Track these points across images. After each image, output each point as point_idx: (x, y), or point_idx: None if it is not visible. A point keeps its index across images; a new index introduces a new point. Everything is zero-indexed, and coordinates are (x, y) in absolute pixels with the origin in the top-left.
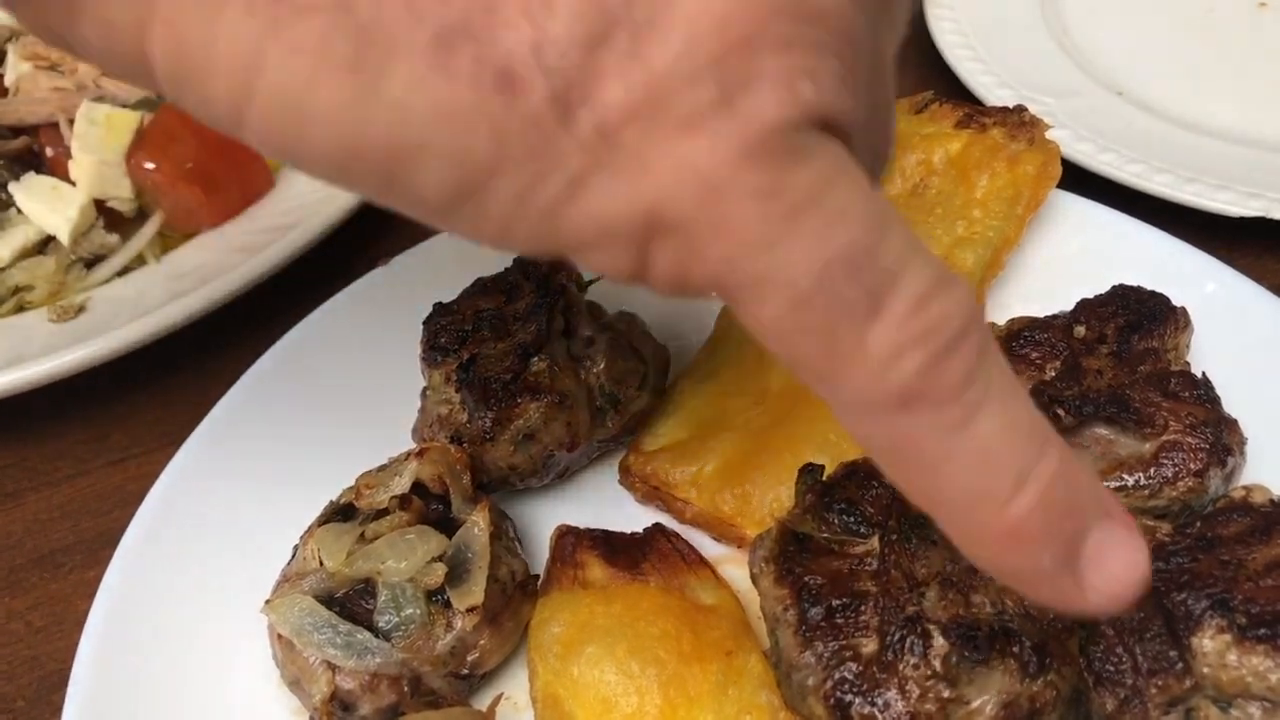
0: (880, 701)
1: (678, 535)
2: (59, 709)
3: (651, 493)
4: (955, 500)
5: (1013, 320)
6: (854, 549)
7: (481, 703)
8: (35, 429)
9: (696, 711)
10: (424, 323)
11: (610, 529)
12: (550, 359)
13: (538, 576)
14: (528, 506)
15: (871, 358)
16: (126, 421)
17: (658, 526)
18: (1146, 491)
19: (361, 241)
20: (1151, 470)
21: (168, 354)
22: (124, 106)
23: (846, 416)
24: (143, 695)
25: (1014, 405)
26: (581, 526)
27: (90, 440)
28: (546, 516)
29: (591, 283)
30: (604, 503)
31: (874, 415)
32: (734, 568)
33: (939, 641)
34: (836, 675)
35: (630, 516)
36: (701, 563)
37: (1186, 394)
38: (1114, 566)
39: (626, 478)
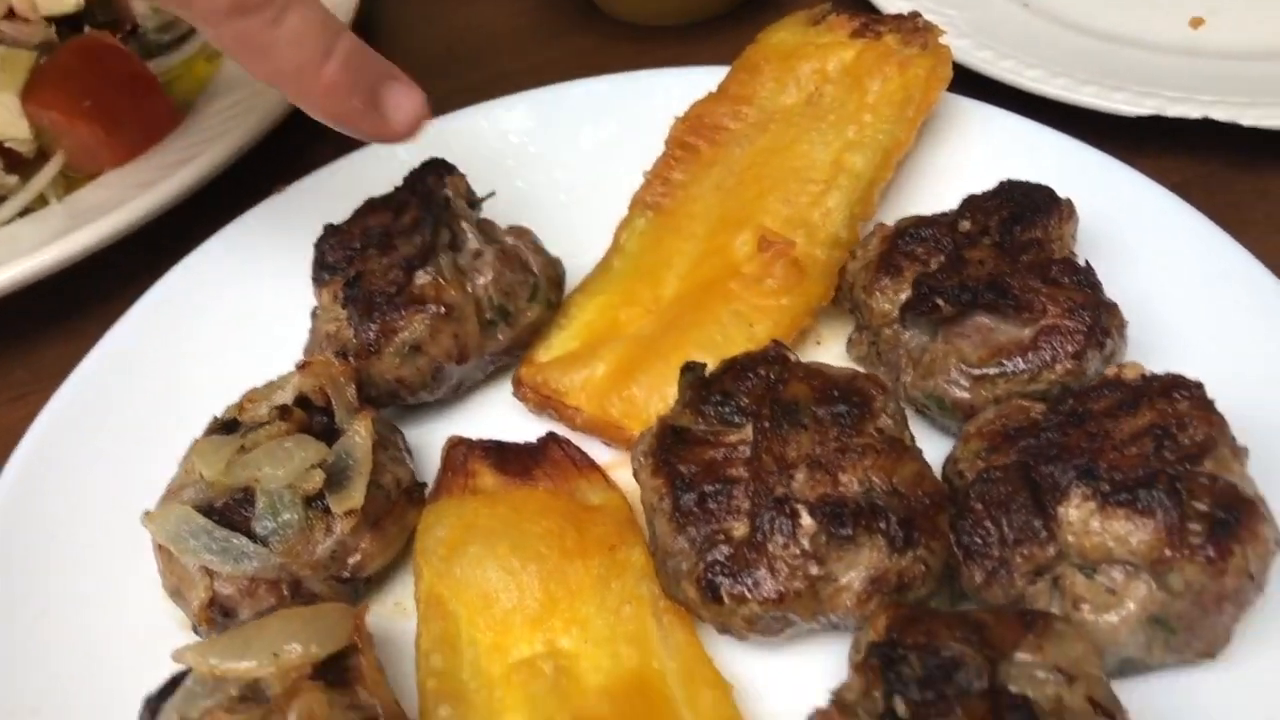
0: (750, 581)
1: (570, 442)
2: None
3: (543, 402)
4: (288, 73)
5: (901, 220)
6: (728, 438)
7: (369, 612)
8: None
9: (578, 604)
10: (315, 244)
11: (505, 440)
12: (436, 272)
13: (425, 485)
14: (424, 423)
15: None
16: (29, 357)
17: (551, 435)
18: (1026, 376)
19: (268, 178)
20: (1030, 355)
21: (72, 291)
22: (21, 47)
23: (203, 27)
24: (34, 612)
25: (311, 7)
26: (475, 438)
27: None
28: (443, 432)
29: (483, 200)
30: (499, 417)
31: (219, 22)
32: (624, 471)
33: (807, 521)
34: (708, 558)
35: (525, 429)
36: (593, 467)
37: (1066, 280)
38: (405, 104)
39: (519, 389)
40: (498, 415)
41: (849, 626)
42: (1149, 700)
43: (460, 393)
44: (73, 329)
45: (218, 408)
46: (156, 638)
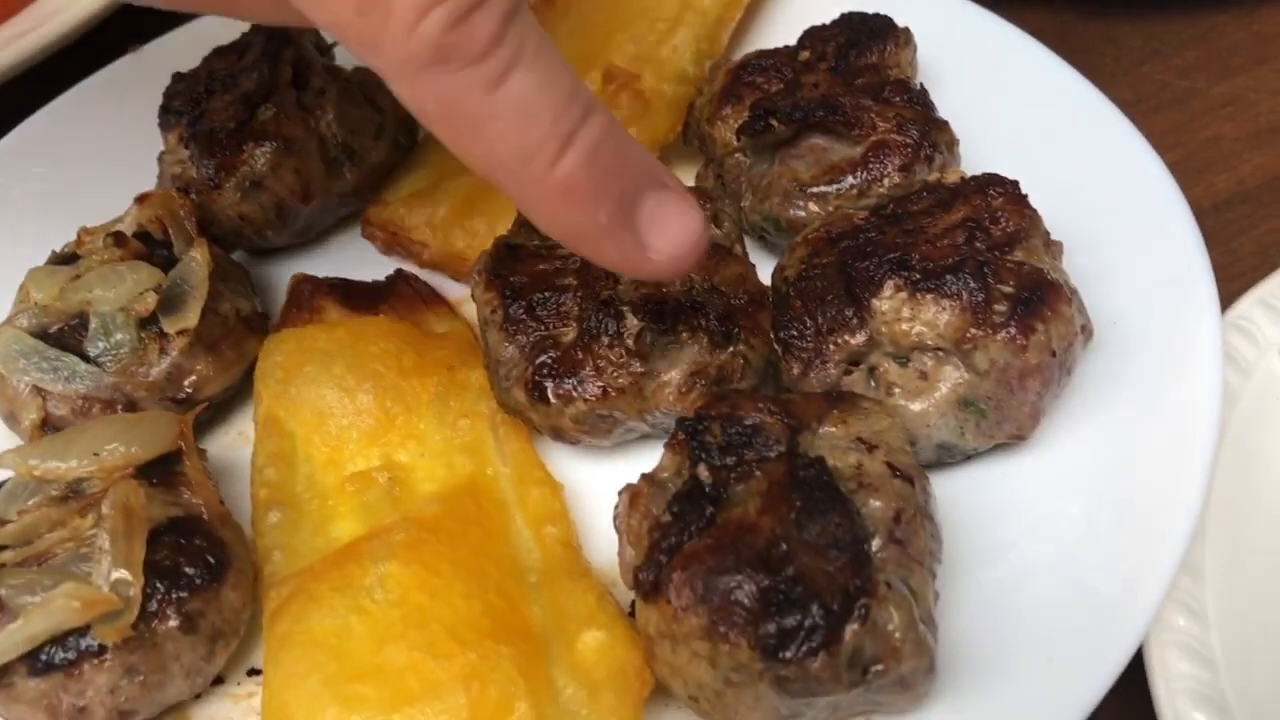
0: (575, 380)
1: (417, 278)
2: None
3: (391, 240)
4: (508, 161)
5: (745, 55)
6: (561, 251)
7: (212, 441)
8: None
9: (415, 419)
10: (164, 93)
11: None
12: (278, 108)
13: (267, 317)
14: (275, 266)
15: (398, 18)
16: None
17: (399, 271)
18: (856, 191)
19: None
20: (860, 170)
21: None
22: None
23: (396, 85)
24: None
25: (550, 66)
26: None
27: None
28: (292, 273)
29: (334, 46)
30: (349, 259)
31: (414, 77)
32: (471, 306)
33: (631, 320)
34: (536, 362)
35: (383, 268)
36: (439, 300)
37: (898, 99)
38: (672, 229)
39: (366, 228)
40: (349, 258)
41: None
42: (965, 489)
43: (311, 237)
44: None
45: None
46: None
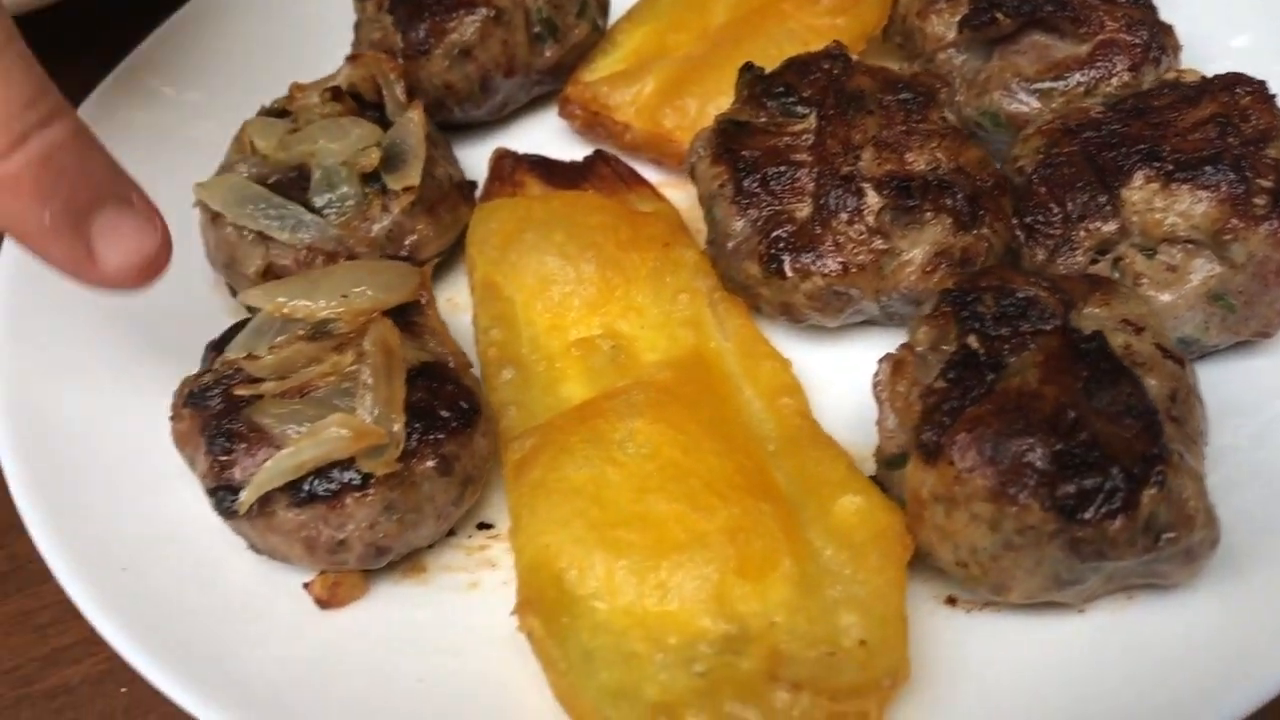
0: (814, 255)
1: (617, 159)
2: None
3: (591, 119)
4: None
5: None
6: (791, 128)
7: None
8: None
9: (633, 291)
10: None
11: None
12: None
13: (475, 184)
14: (469, 142)
15: None
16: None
17: (598, 152)
18: (1083, 89)
19: None
20: (1087, 69)
21: (101, 13)
22: None
23: None
24: (66, 299)
25: (14, 69)
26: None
27: None
28: (489, 150)
29: None
30: (545, 140)
31: None
32: (673, 190)
33: (873, 197)
34: (771, 235)
35: (572, 151)
36: (641, 182)
37: None
38: (125, 243)
39: (566, 107)
40: (541, 138)
41: (905, 314)
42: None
43: (504, 114)
44: (90, 56)
45: (251, 113)
46: (201, 317)
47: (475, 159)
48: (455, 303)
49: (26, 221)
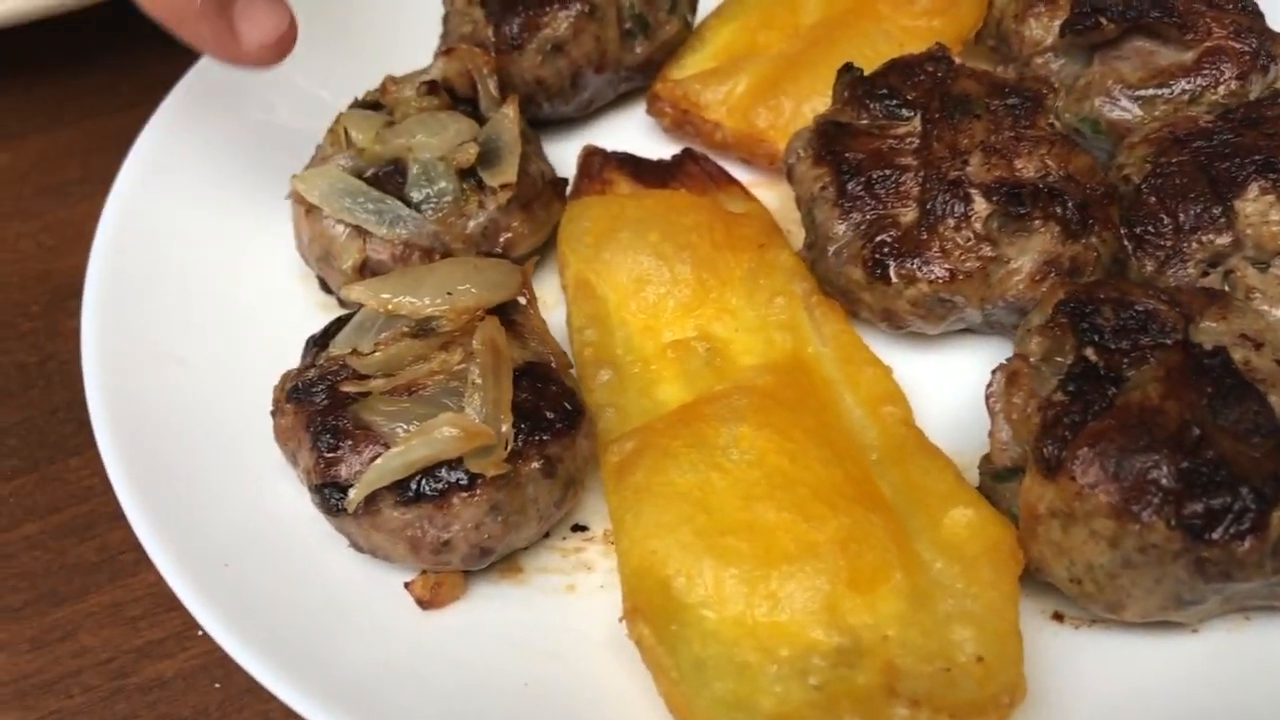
0: (920, 261)
1: (706, 157)
2: (72, 313)
3: (680, 118)
4: None
5: None
6: (894, 130)
7: None
8: (39, 78)
9: (728, 293)
10: None
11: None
12: None
13: (566, 181)
14: (556, 138)
15: None
16: (135, 71)
17: (687, 151)
18: (1187, 97)
19: None
20: (1192, 76)
21: None
22: None
23: None
24: (161, 284)
25: None
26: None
27: (97, 89)
28: (576, 147)
29: None
30: (632, 137)
31: None
32: (764, 190)
33: (981, 204)
34: (876, 240)
35: (659, 149)
36: (731, 181)
37: (1230, 5)
38: (262, 23)
39: (655, 104)
40: (628, 135)
41: (1007, 323)
42: None
43: (590, 111)
44: (177, 46)
45: (338, 104)
46: (292, 310)
47: (562, 155)
48: (542, 301)
49: (181, 8)
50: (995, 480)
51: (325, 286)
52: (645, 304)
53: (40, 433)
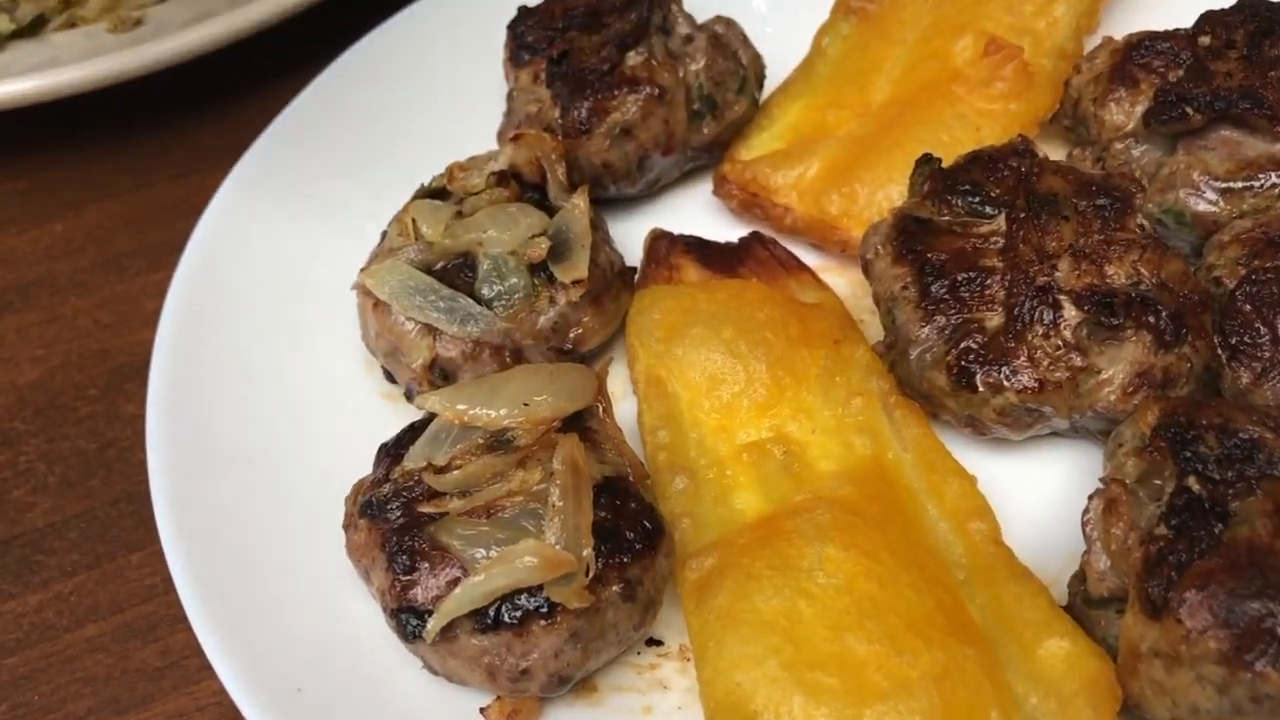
0: (1007, 369)
1: (775, 242)
2: (131, 397)
3: (749, 200)
4: None
5: (1131, 34)
6: (978, 229)
7: None
8: (95, 145)
9: (804, 392)
10: (508, 26)
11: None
12: (649, 52)
13: (635, 269)
14: (620, 219)
15: None
16: (189, 137)
17: (755, 234)
18: (1277, 191)
19: None
20: None
21: (231, 74)
22: None
23: None
24: (224, 378)
25: None
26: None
27: (151, 155)
28: (639, 228)
29: None
30: (695, 217)
31: None
32: (834, 276)
33: (1070, 311)
34: (961, 346)
35: (725, 230)
36: (802, 267)
37: None
38: None
39: (723, 186)
40: (693, 216)
41: (1094, 428)
42: None
43: (655, 190)
44: (229, 112)
45: (404, 185)
46: (356, 401)
47: (627, 234)
48: (613, 392)
49: None
50: (1088, 605)
51: (390, 377)
52: (719, 403)
53: (101, 525)
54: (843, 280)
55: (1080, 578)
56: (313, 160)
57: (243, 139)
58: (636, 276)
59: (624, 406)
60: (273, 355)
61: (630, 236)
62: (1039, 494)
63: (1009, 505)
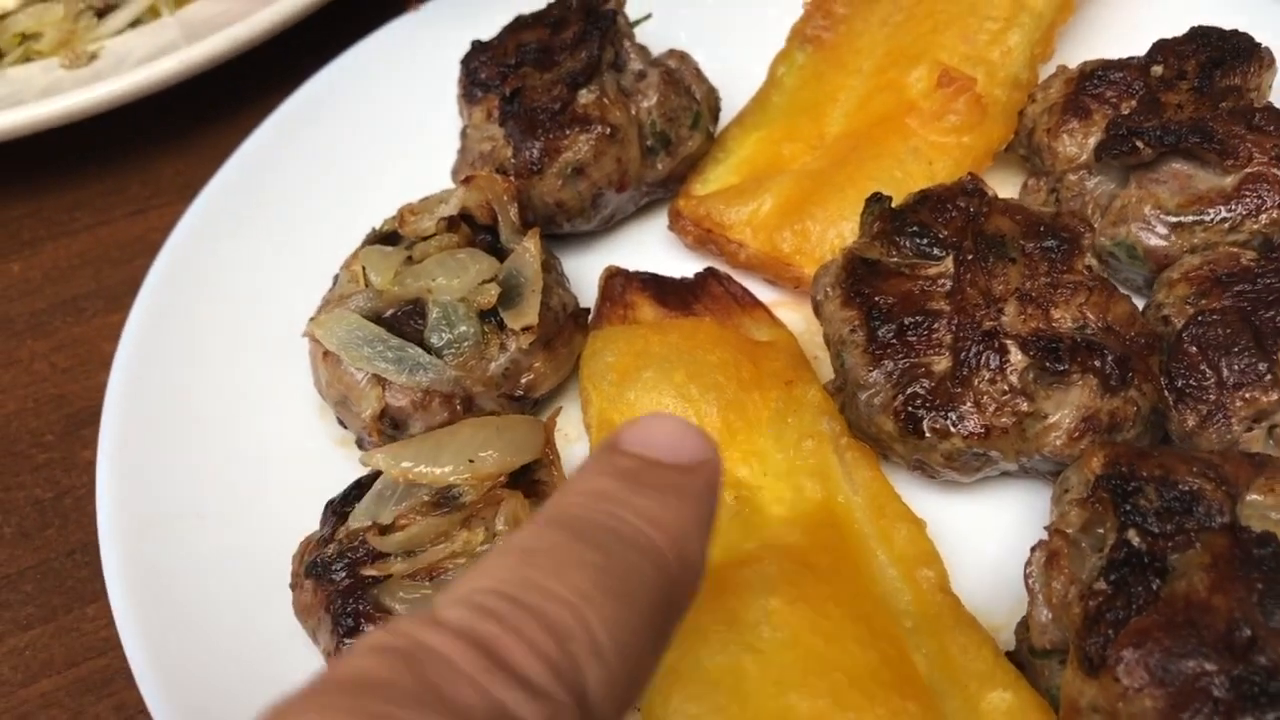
0: (954, 415)
1: (730, 278)
2: (88, 443)
3: (704, 236)
4: None
5: (1085, 63)
6: (926, 271)
7: None
8: (52, 181)
9: (756, 436)
10: (461, 61)
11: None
12: (601, 90)
13: (588, 310)
14: (574, 254)
15: None
16: (145, 172)
17: (710, 270)
18: (1227, 225)
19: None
20: (1233, 203)
21: (187, 108)
22: None
23: None
24: (176, 429)
25: None
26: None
27: (108, 191)
28: (594, 264)
29: (640, 22)
30: (652, 251)
31: None
32: (788, 311)
33: (1017, 355)
34: (908, 391)
35: (681, 264)
36: (756, 304)
37: (1272, 128)
38: None
39: (677, 222)
40: (650, 250)
41: (1043, 470)
42: None
43: (610, 225)
44: (186, 146)
45: (356, 225)
46: (309, 449)
47: (581, 268)
48: (565, 434)
49: None
50: (1033, 655)
51: (341, 423)
52: None
53: (57, 577)
54: (798, 316)
55: (1025, 626)
56: (269, 202)
57: (200, 174)
58: (591, 316)
59: (577, 449)
60: (226, 403)
61: (586, 271)
62: (989, 536)
63: (959, 547)
